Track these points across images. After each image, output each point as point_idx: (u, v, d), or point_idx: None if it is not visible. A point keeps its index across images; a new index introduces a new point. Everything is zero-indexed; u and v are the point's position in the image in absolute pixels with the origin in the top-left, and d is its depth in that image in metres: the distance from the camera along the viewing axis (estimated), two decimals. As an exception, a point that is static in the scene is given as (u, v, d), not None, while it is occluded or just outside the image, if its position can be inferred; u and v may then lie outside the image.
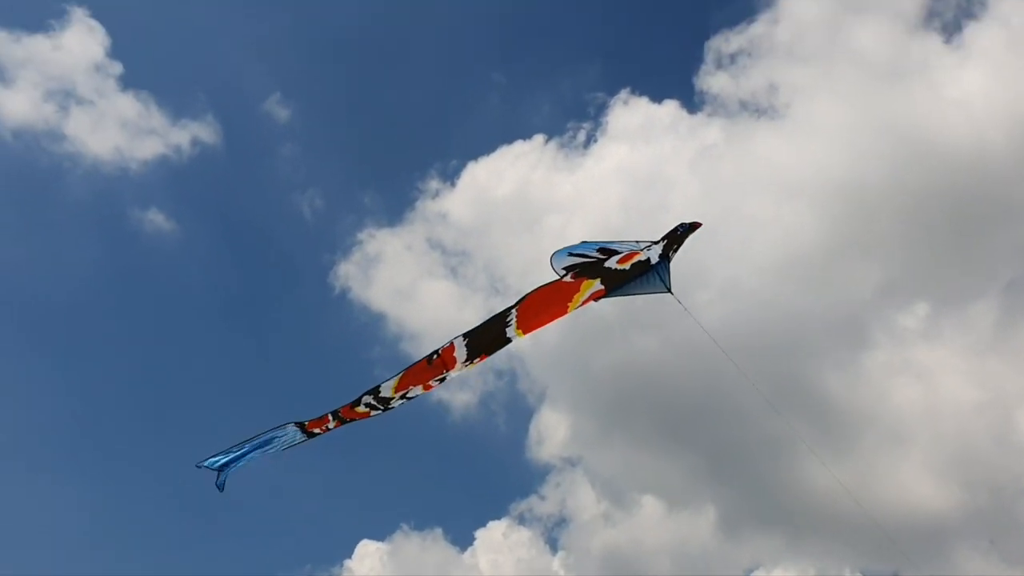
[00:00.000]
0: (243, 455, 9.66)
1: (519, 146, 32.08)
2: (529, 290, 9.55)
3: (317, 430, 9.89)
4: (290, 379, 28.40)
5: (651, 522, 26.45)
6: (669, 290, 9.60)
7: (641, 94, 32.29)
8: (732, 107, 31.69)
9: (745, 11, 34.61)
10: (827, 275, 27.43)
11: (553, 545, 26.50)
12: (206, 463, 9.55)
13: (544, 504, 26.97)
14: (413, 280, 30.66)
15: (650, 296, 9.76)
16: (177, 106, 30.50)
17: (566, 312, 9.90)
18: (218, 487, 9.60)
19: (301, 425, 9.80)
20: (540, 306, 9.67)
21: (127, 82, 28.91)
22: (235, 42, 32.80)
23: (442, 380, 10.01)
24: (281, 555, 25.45)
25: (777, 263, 27.75)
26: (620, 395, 27.21)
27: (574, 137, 32.40)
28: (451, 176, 31.94)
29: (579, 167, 32.43)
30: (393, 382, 9.67)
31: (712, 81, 31.84)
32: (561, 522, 26.90)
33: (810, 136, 30.46)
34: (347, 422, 9.93)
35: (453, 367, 9.79)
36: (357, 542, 24.92)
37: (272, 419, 9.84)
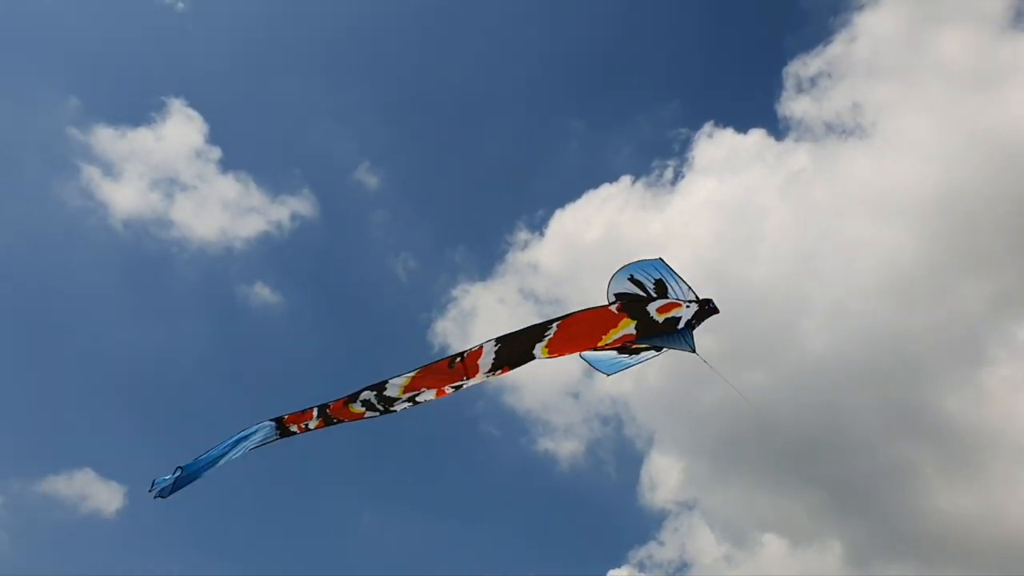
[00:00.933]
0: (206, 463, 8.56)
1: (605, 189, 32.10)
2: (577, 309, 9.23)
3: (294, 427, 8.88)
4: (398, 437, 28.69)
5: (774, 561, 25.57)
6: (694, 351, 9.65)
7: (725, 126, 32.02)
8: (818, 130, 31.14)
9: (821, 33, 34.03)
10: (935, 292, 26.47)
11: (676, 590, 25.91)
12: (161, 485, 8.42)
13: (663, 550, 26.40)
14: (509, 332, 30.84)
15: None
16: (274, 183, 31.70)
17: (596, 345, 9.51)
18: (160, 494, 8.42)
19: (278, 420, 8.79)
20: (578, 330, 9.29)
21: (226, 165, 30.30)
22: (322, 116, 34.05)
23: (458, 388, 9.28)
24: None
25: (880, 284, 26.91)
26: (732, 434, 26.57)
27: (660, 175, 32.28)
28: (539, 226, 32.12)
29: (668, 204, 32.26)
30: (403, 380, 8.84)
31: (795, 106, 31.40)
32: (682, 567, 26.26)
33: (901, 152, 29.67)
34: (335, 422, 8.96)
35: (474, 375, 9.14)
36: (484, 600, 24.89)
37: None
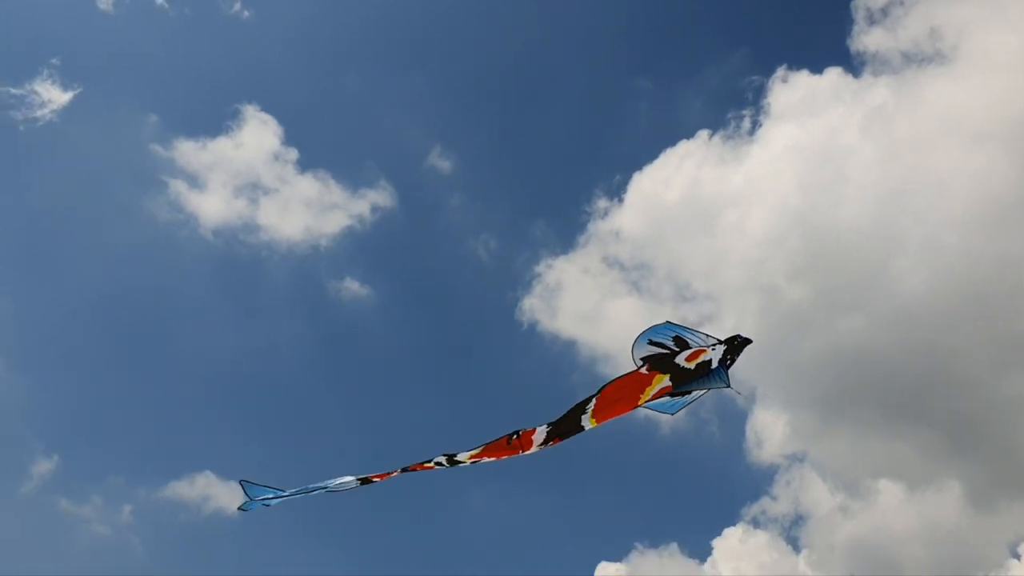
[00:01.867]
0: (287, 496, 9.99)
1: (681, 147, 31.58)
2: (607, 381, 10.11)
3: (376, 479, 10.44)
4: (495, 418, 29.04)
5: (892, 508, 25.05)
6: (729, 386, 10.22)
7: (799, 68, 31.03)
8: (895, 62, 29.97)
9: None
10: (1034, 216, 25.28)
11: (795, 544, 25.56)
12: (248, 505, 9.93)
13: (777, 504, 26.10)
14: (597, 302, 30.69)
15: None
16: (353, 178, 32.33)
17: (636, 405, 10.38)
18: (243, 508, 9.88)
19: (364, 479, 10.32)
20: (616, 397, 10.19)
21: (304, 165, 30.93)
22: (390, 106, 34.42)
23: (513, 455, 10.54)
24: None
25: (975, 214, 25.82)
26: (835, 382, 26.06)
27: (738, 126, 31.56)
28: (617, 192, 31.85)
29: (747, 156, 31.52)
30: (469, 454, 10.29)
31: (868, 40, 30.27)
32: (798, 520, 25.93)
33: (986, 74, 28.29)
34: (409, 471, 10.51)
35: (529, 448, 10.39)
36: (595, 566, 24.95)
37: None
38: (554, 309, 30.20)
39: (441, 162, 32.15)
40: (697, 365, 10.05)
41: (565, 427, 10.31)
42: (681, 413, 10.65)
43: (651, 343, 9.93)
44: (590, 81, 35.34)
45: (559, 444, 10.56)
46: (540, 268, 30.50)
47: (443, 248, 32.83)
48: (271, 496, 10.14)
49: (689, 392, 10.43)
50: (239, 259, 30.39)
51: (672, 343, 9.95)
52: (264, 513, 9.98)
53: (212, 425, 28.11)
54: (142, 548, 25.00)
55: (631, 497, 27.74)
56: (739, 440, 27.74)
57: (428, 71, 34.90)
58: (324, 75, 33.91)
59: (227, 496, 25.15)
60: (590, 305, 29.92)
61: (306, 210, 30.69)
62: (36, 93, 28.32)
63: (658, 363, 10.02)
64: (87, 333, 28.73)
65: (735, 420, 28.23)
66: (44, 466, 25.21)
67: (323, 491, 10.25)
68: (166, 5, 30.90)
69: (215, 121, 31.94)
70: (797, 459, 26.56)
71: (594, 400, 10.13)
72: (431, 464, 10.32)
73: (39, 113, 28.44)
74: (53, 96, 28.41)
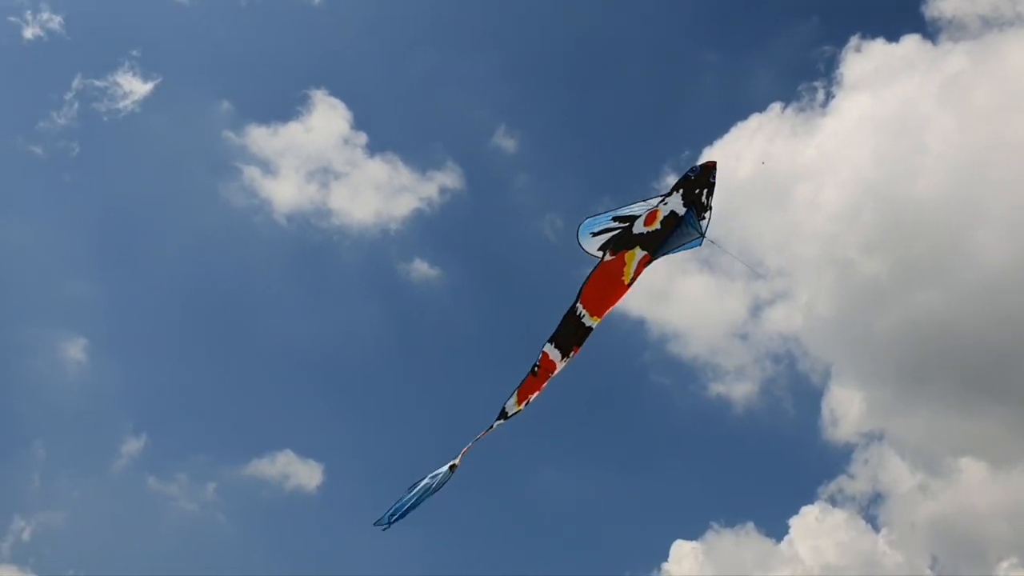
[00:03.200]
0: (415, 503, 10.12)
1: (752, 121, 31.03)
2: (581, 283, 10.03)
3: (458, 462, 10.34)
4: (568, 394, 29.13)
5: (975, 486, 24.51)
6: (702, 235, 9.77)
7: (873, 36, 30.24)
8: (973, 27, 29.03)
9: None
10: None
11: (873, 523, 25.22)
12: (385, 521, 10.06)
13: (855, 483, 25.75)
14: (666, 280, 30.52)
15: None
16: (421, 160, 32.48)
17: (624, 285, 10.16)
18: (384, 524, 10.07)
19: (452, 467, 10.27)
20: (599, 290, 10.08)
21: (373, 148, 31.29)
22: (456, 87, 34.50)
23: (547, 381, 10.52)
24: (597, 563, 26.01)
25: (1061, 182, 24.96)
26: (912, 358, 25.52)
27: (809, 98, 30.93)
28: (686, 167, 31.54)
29: (820, 128, 30.84)
30: (513, 400, 10.31)
31: (944, 5, 29.38)
32: (877, 498, 25.56)
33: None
34: (481, 440, 10.46)
35: (555, 368, 10.34)
36: (670, 544, 24.98)
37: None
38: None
39: (507, 141, 32.20)
40: (662, 222, 9.77)
41: (571, 335, 10.20)
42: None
43: (596, 234, 9.80)
44: (656, 55, 34.95)
45: (578, 353, 10.39)
46: (608, 246, 30.35)
47: (510, 228, 32.94)
48: (398, 511, 10.19)
49: (668, 252, 10.10)
50: (312, 243, 30.98)
51: (615, 223, 9.76)
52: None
53: (290, 405, 28.84)
54: (227, 525, 25.84)
55: (706, 475, 27.64)
56: (814, 418, 27.43)
57: (493, 51, 34.96)
58: (391, 58, 34.17)
59: (306, 474, 25.94)
60: (659, 283, 29.77)
61: (376, 193, 31.12)
62: (118, 84, 29.29)
63: (618, 243, 9.85)
64: (171, 316, 29.67)
65: (810, 398, 27.91)
66: (133, 445, 26.22)
67: (432, 489, 10.26)
68: (240, -6, 31.54)
69: (286, 107, 32.54)
70: (875, 437, 26.16)
71: (580, 307, 10.04)
72: (493, 427, 10.32)
73: (121, 104, 29.39)
74: (134, 87, 29.36)
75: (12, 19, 28.93)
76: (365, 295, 31.67)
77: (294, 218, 30.54)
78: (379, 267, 31.68)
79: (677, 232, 9.95)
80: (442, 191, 30.92)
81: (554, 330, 10.26)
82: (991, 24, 28.57)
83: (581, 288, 10.10)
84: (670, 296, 30.33)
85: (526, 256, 32.32)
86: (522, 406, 10.42)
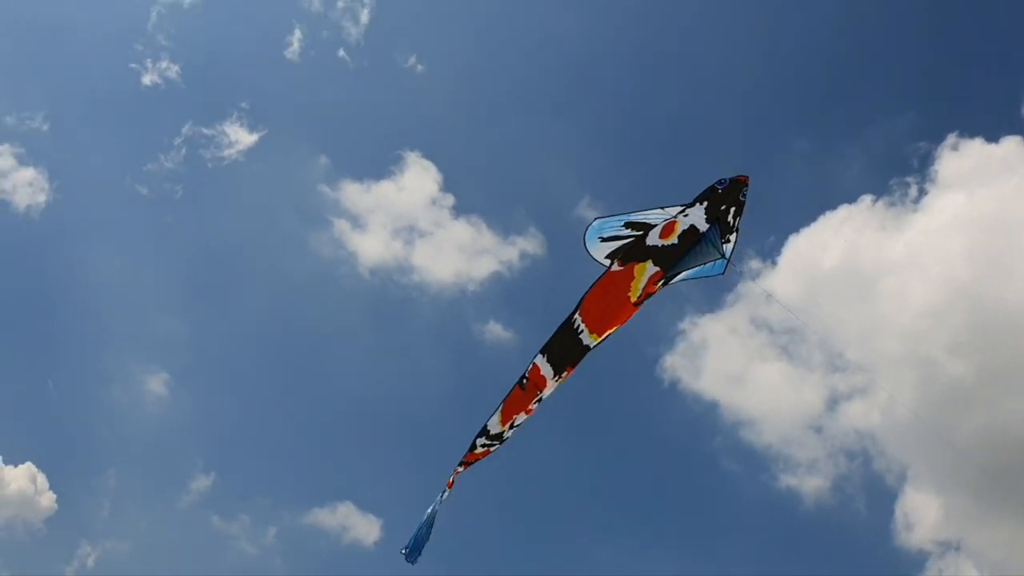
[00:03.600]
0: (427, 532, 10.07)
1: (841, 211, 30.66)
2: (584, 293, 8.96)
3: (449, 487, 10.02)
4: (630, 475, 28.74)
5: (1055, 606, 23.18)
6: (724, 256, 8.70)
7: (971, 136, 29.76)
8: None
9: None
10: None
11: (943, 638, 24.06)
12: (413, 552, 10.05)
13: (928, 592, 24.65)
14: (743, 364, 30.05)
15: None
16: (504, 225, 33.06)
17: (631, 304, 9.03)
18: (411, 559, 10.06)
19: (443, 492, 9.97)
20: (602, 304, 9.03)
21: (459, 210, 31.92)
22: (543, 154, 34.99)
23: (539, 401, 9.73)
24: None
25: None
26: (997, 463, 24.42)
27: (901, 192, 30.45)
28: (771, 253, 31.24)
29: (910, 224, 30.25)
30: (497, 417, 9.68)
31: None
32: (950, 611, 24.41)
33: None
34: (471, 464, 10.03)
35: (545, 386, 9.54)
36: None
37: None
38: (697, 368, 29.74)
39: (590, 213, 32.48)
40: (680, 237, 8.67)
41: (566, 352, 9.29)
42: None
43: (605, 240, 8.72)
44: (746, 136, 34.82)
45: (575, 373, 9.52)
46: (684, 325, 30.18)
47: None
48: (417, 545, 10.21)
49: (684, 270, 9.04)
50: (392, 297, 31.59)
51: (627, 231, 8.63)
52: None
53: (355, 456, 29.22)
54: (284, 570, 26.05)
55: (771, 568, 26.77)
56: (887, 520, 26.37)
57: (582, 122, 35.38)
58: (483, 124, 35.04)
59: (364, 527, 26.03)
60: (736, 367, 29.35)
61: (458, 254, 31.68)
62: (225, 134, 30.69)
63: (629, 253, 8.74)
64: (250, 358, 30.60)
65: (884, 499, 26.86)
66: (202, 482, 26.79)
67: (435, 514, 10.10)
68: (347, 57, 32.79)
69: (380, 166, 33.66)
70: (951, 547, 24.98)
71: (578, 315, 8.98)
72: (483, 451, 9.83)
73: (226, 152, 30.76)
74: (240, 137, 30.71)
75: (133, 66, 30.63)
76: (438, 352, 32.02)
77: (377, 272, 31.26)
78: (454, 325, 32.07)
79: (696, 250, 8.95)
80: (522, 256, 31.31)
81: (547, 341, 9.30)
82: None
83: (582, 298, 9.05)
84: (745, 381, 29.85)
85: (601, 328, 32.29)
86: (506, 427, 9.76)
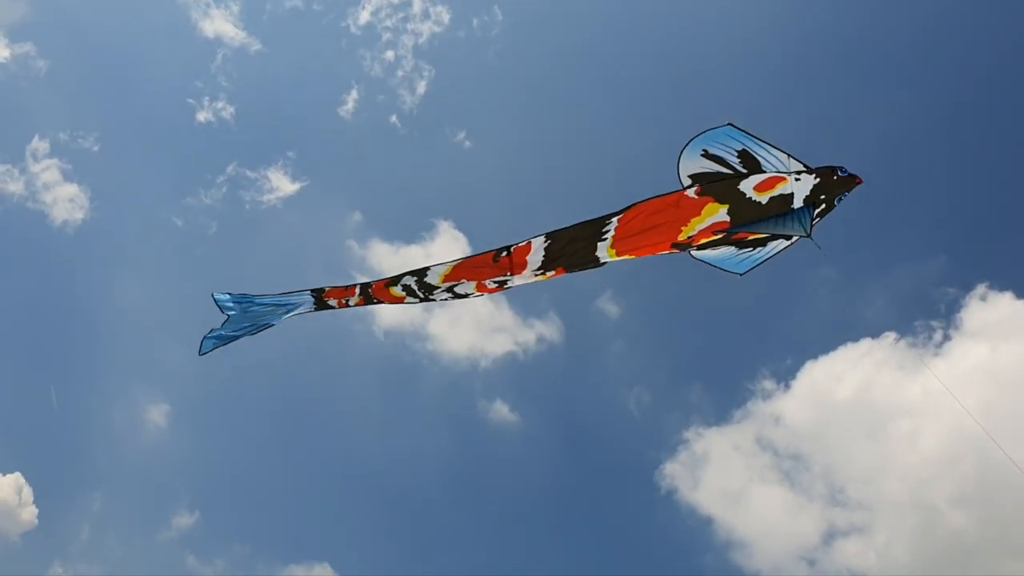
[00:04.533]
0: (248, 325, 8.91)
1: (862, 344, 30.56)
2: (641, 200, 7.65)
3: (333, 301, 8.63)
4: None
5: None
6: (808, 234, 7.64)
7: (1002, 289, 29.77)
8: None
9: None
10: None
11: None
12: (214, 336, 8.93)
13: None
14: (743, 483, 29.64)
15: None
16: (525, 305, 33.17)
17: (677, 239, 7.88)
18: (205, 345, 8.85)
19: (318, 292, 8.58)
20: (649, 221, 7.79)
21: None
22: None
23: (502, 283, 8.44)
24: None
25: None
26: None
27: (925, 335, 30.37)
28: (785, 376, 31.03)
29: (931, 368, 30.14)
30: (444, 269, 8.31)
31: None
32: None
33: None
34: (375, 301, 8.58)
35: (520, 272, 8.23)
36: None
37: None
38: (696, 480, 29.34)
39: (611, 306, 32.57)
40: (771, 199, 7.57)
41: (572, 251, 8.07)
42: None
43: (707, 156, 7.41)
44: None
45: (564, 276, 8.40)
46: (689, 434, 29.88)
47: (596, 391, 32.88)
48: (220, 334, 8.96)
49: (771, 238, 7.96)
50: (402, 362, 31.63)
51: (736, 160, 7.39)
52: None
53: (341, 519, 28.90)
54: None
55: None
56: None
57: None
58: (521, 207, 35.33)
59: (339, 592, 25.60)
60: (735, 484, 28.93)
61: (475, 328, 31.76)
62: (268, 179, 31.26)
63: (714, 187, 7.52)
64: (253, 403, 30.54)
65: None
66: (185, 519, 26.57)
67: (278, 319, 8.72)
68: (398, 124, 33.56)
69: (412, 230, 34.05)
70: None
71: (616, 220, 7.70)
72: (400, 294, 8.37)
73: (266, 198, 31.28)
74: (282, 184, 31.28)
75: (190, 101, 31.51)
76: (441, 425, 31.89)
77: (392, 335, 31.36)
78: (461, 399, 32.02)
79: (778, 220, 7.88)
80: (539, 340, 31.36)
81: (561, 228, 8.03)
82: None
83: (633, 204, 7.81)
84: (743, 500, 29.37)
85: (606, 423, 32.05)
86: (444, 285, 8.36)
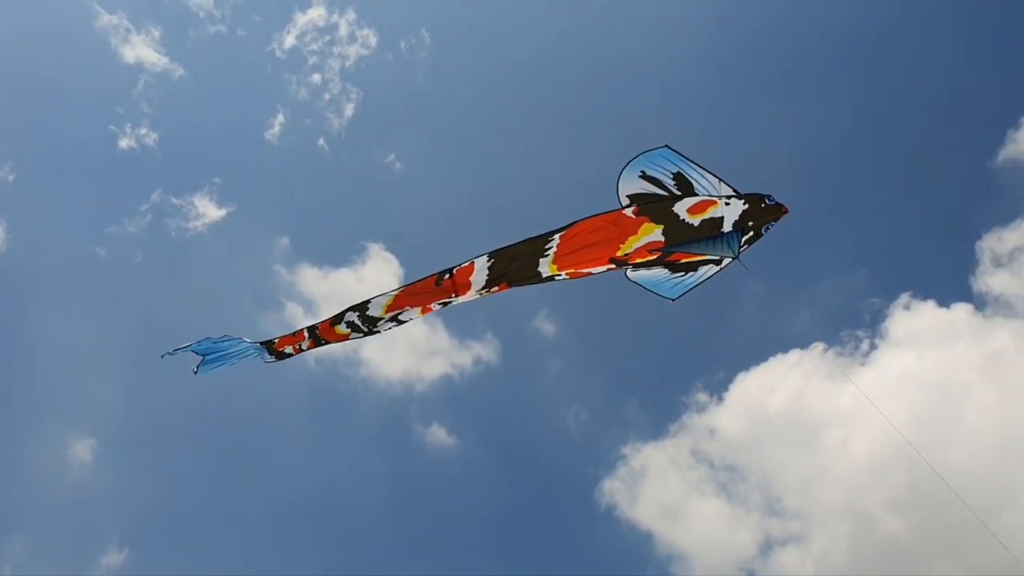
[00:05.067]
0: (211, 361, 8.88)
1: (791, 355, 31.14)
2: (582, 218, 8.08)
3: (289, 348, 8.91)
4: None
5: None
6: (736, 256, 8.13)
7: (924, 298, 30.65)
8: (1020, 307, 29.31)
9: (1019, 209, 32.32)
10: None
11: None
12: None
13: None
14: (681, 497, 29.85)
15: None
16: (462, 327, 32.96)
17: (615, 255, 8.29)
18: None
19: (269, 343, 8.81)
20: (589, 238, 8.19)
21: (417, 307, 31.86)
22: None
23: (446, 304, 8.65)
24: None
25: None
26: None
27: (853, 345, 31.06)
28: (718, 389, 31.42)
29: (858, 377, 30.83)
30: (386, 300, 8.51)
31: (991, 280, 29.83)
32: None
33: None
34: (324, 343, 8.91)
35: (464, 292, 8.44)
36: None
37: None
38: (635, 496, 29.45)
39: (547, 325, 32.63)
40: (703, 222, 8.03)
41: (516, 267, 8.30)
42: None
43: (644, 177, 7.94)
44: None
45: (507, 291, 8.57)
46: (627, 450, 30.00)
47: (533, 411, 32.83)
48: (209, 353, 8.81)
49: (702, 263, 8.37)
50: (335, 389, 31.11)
51: (671, 182, 7.88)
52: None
53: (275, 551, 28.13)
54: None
55: None
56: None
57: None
58: (453, 228, 35.28)
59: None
60: (673, 498, 29.12)
61: (410, 351, 31.44)
62: (194, 205, 30.61)
63: (650, 207, 8.01)
64: (181, 436, 29.64)
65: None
66: (114, 558, 25.74)
67: (241, 355, 8.67)
68: (326, 147, 33.22)
69: (342, 254, 33.60)
70: None
71: (556, 239, 8.05)
72: (345, 331, 8.69)
73: (191, 224, 30.62)
74: (208, 210, 30.64)
75: (112, 128, 30.73)
76: (376, 451, 31.42)
77: (323, 361, 30.82)
78: (396, 425, 31.60)
79: (709, 242, 8.33)
80: (476, 362, 31.19)
81: (504, 247, 8.27)
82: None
83: (575, 222, 8.18)
84: (681, 514, 29.55)
85: (544, 442, 31.99)
86: (388, 315, 8.56)
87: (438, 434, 30.44)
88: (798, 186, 35.11)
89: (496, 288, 8.51)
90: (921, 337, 30.00)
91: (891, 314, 30.98)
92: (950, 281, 34.65)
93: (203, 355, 9.12)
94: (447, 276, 8.34)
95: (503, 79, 35.35)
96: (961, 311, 30.11)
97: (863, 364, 30.74)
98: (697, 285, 8.75)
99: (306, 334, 8.92)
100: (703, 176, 7.89)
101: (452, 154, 35.69)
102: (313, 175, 34.40)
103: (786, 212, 8.12)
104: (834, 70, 34.41)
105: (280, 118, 32.36)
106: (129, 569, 25.62)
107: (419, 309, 8.69)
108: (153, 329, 31.04)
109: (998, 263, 29.76)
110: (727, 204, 7.96)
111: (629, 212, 8.08)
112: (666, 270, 8.68)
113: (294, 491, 29.57)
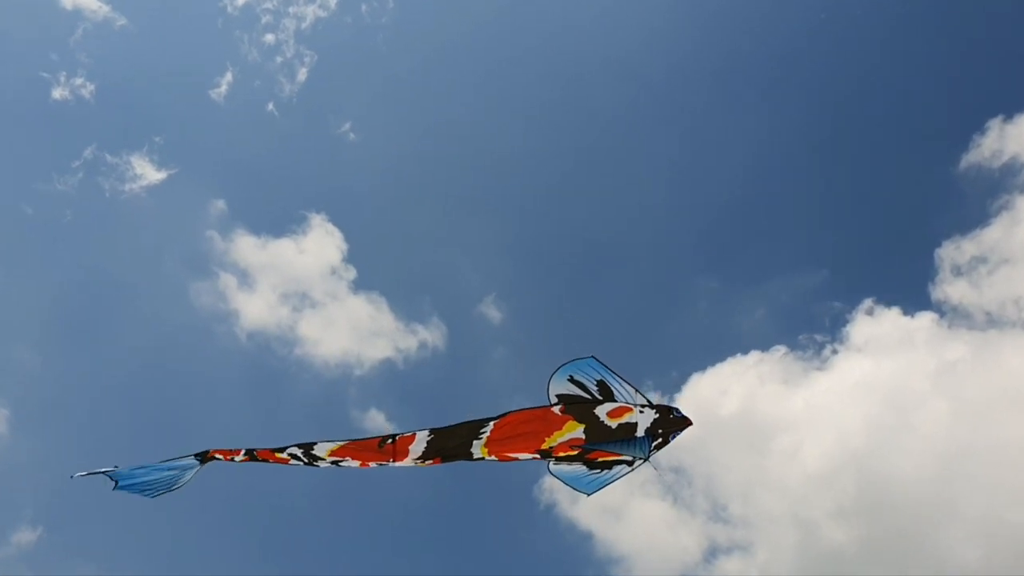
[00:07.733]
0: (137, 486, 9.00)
1: (751, 357, 30.47)
2: (515, 409, 9.20)
3: (220, 456, 9.15)
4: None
5: None
6: (646, 459, 9.29)
7: (889, 305, 30.20)
8: (979, 319, 29.05)
9: (979, 217, 32.06)
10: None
11: None
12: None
13: None
14: (623, 497, 29.07)
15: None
16: (407, 310, 31.71)
17: (541, 447, 9.34)
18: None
19: (202, 455, 9.05)
20: (518, 429, 9.24)
21: (359, 286, 30.49)
22: (456, 247, 34.15)
23: (383, 465, 9.43)
24: None
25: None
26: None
27: (814, 349, 30.49)
28: (670, 389, 30.63)
29: (813, 382, 30.27)
30: (332, 446, 9.16)
31: (950, 290, 29.54)
32: None
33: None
34: (259, 460, 9.24)
35: (402, 459, 9.23)
36: None
37: None
38: (575, 494, 28.51)
39: (493, 311, 31.50)
40: (620, 426, 9.18)
41: (451, 445, 9.17)
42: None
43: (572, 381, 9.04)
44: (658, 270, 34.73)
45: (440, 465, 9.36)
46: (570, 447, 29.16)
47: (477, 400, 31.77)
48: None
49: (617, 462, 9.39)
50: (267, 367, 29.72)
51: (595, 388, 9.05)
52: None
53: (198, 534, 26.74)
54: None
55: None
56: None
57: (497, 223, 34.81)
58: (404, 205, 34.14)
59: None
60: (615, 499, 28.29)
61: (351, 332, 30.15)
62: (131, 165, 28.95)
63: (575, 408, 9.13)
64: (105, 406, 28.12)
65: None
66: (26, 535, 24.32)
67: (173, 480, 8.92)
68: (276, 112, 31.73)
69: (282, 223, 32.03)
70: None
71: (490, 426, 9.07)
72: (285, 457, 9.11)
73: (128, 186, 29.01)
74: (146, 172, 29.11)
75: (44, 75, 28.93)
76: (306, 435, 29.99)
77: (256, 337, 29.42)
78: (332, 409, 30.23)
79: (623, 444, 9.40)
80: (421, 345, 29.98)
81: (446, 426, 9.17)
82: (994, 321, 28.59)
83: (505, 414, 9.19)
84: (623, 515, 28.73)
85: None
86: (330, 458, 9.18)
87: (376, 420, 29.20)
88: (761, 186, 34.57)
89: (431, 461, 9.31)
90: (881, 344, 29.61)
91: (853, 319, 30.51)
92: (911, 288, 34.31)
93: (117, 480, 9.16)
94: (390, 441, 9.12)
95: (469, 48, 34.19)
96: (925, 319, 29.77)
97: (819, 369, 30.25)
98: (610, 482, 9.56)
99: (243, 452, 9.26)
100: (622, 386, 9.09)
101: (410, 127, 34.47)
102: (260, 141, 32.92)
103: (689, 424, 9.35)
104: (799, 74, 33.91)
105: (228, 77, 30.87)
106: (43, 548, 24.35)
107: (359, 462, 9.37)
108: (76, 295, 29.46)
109: (958, 272, 29.46)
110: (641, 412, 9.16)
111: (556, 410, 9.11)
112: (584, 466, 9.56)
113: (221, 474, 28.13)
